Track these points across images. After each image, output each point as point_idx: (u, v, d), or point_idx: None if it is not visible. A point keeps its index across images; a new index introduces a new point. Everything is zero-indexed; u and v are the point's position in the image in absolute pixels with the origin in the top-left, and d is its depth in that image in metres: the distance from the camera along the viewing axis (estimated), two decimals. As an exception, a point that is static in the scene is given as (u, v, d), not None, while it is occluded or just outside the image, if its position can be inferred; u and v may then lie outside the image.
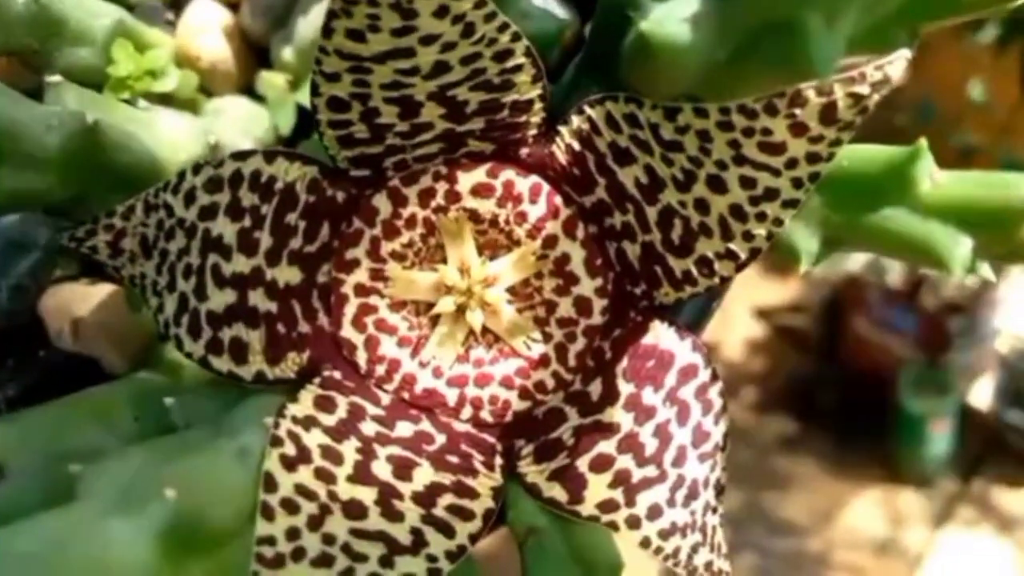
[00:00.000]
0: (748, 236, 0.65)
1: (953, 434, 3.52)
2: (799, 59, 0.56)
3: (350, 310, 0.74)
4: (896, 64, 0.56)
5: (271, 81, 1.03)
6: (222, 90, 1.04)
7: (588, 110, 0.69)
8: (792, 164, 0.61)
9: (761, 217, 0.64)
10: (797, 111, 0.58)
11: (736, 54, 0.62)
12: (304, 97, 1.00)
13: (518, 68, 0.66)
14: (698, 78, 0.65)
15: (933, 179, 0.71)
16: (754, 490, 3.47)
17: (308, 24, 1.00)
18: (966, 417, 3.57)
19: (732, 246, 0.66)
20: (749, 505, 3.42)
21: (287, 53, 1.03)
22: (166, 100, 0.97)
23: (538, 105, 0.70)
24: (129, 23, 0.96)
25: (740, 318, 3.77)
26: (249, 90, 1.06)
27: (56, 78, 0.84)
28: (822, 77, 0.56)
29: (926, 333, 3.57)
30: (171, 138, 0.90)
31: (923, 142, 0.70)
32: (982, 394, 3.66)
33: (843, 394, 3.74)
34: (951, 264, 0.70)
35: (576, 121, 0.70)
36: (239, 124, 1.00)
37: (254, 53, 1.07)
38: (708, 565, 0.71)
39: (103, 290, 0.92)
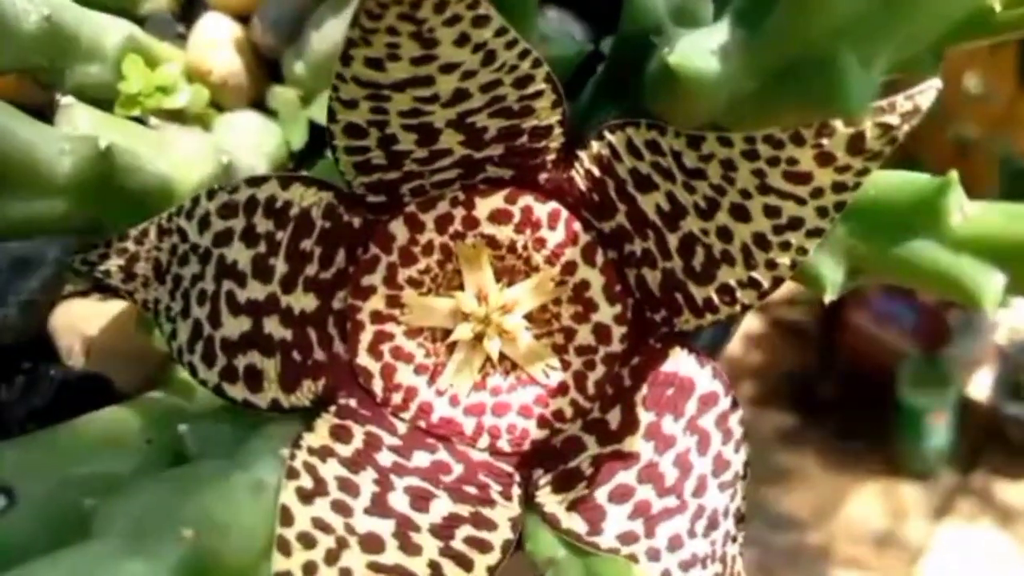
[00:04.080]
0: (771, 265, 0.65)
1: (952, 427, 3.52)
2: (832, 98, 0.55)
3: (366, 337, 0.74)
4: (927, 94, 0.56)
5: (283, 96, 1.03)
6: (233, 104, 1.03)
7: (608, 135, 0.68)
8: (818, 193, 0.60)
9: (785, 246, 0.63)
10: (824, 141, 0.57)
11: (765, 87, 0.61)
12: (316, 112, 1.00)
13: (538, 94, 0.65)
14: (724, 109, 0.64)
15: (964, 211, 0.70)
16: (754, 485, 3.41)
17: (320, 38, 0.99)
18: (965, 410, 3.56)
19: (755, 275, 0.65)
20: (749, 500, 3.40)
21: (299, 67, 1.02)
22: (177, 115, 0.97)
23: (557, 131, 0.69)
24: (140, 38, 0.96)
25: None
26: (260, 104, 1.05)
27: (68, 99, 0.83)
28: (858, 116, 0.55)
29: (925, 326, 3.57)
30: (184, 158, 0.89)
31: (954, 174, 0.69)
32: (981, 387, 3.65)
33: (842, 388, 3.73)
34: (982, 300, 0.69)
35: (596, 146, 0.69)
36: (251, 140, 0.99)
37: (265, 67, 1.06)
38: None
39: (114, 307, 0.92)
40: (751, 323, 3.81)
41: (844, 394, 3.73)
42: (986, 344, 3.63)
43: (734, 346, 3.76)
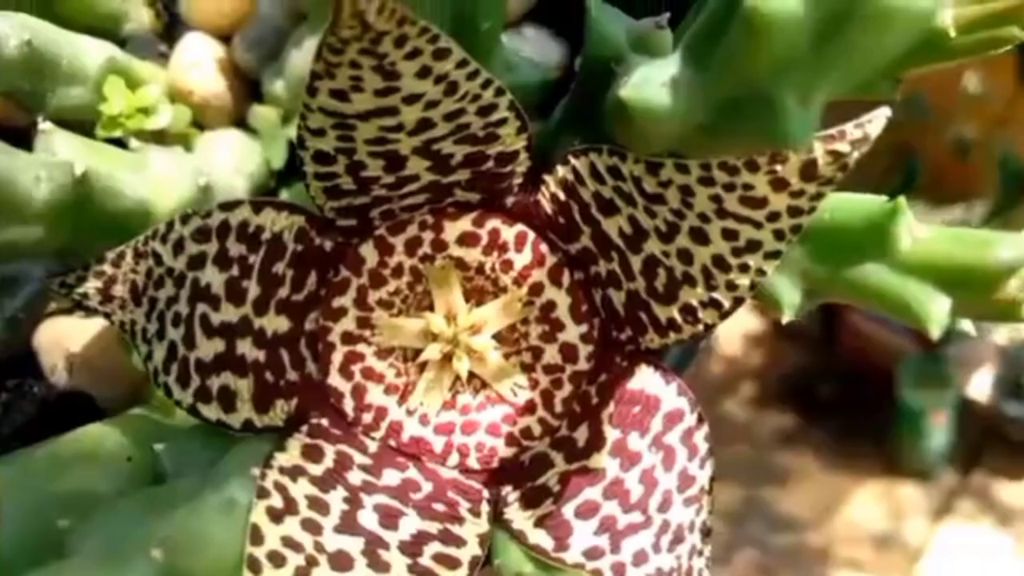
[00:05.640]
0: (731, 286, 0.66)
1: (952, 427, 3.51)
2: (773, 135, 0.57)
3: (337, 358, 0.75)
4: (876, 123, 0.57)
5: (263, 115, 1.04)
6: (215, 123, 1.05)
7: (572, 160, 0.69)
8: (774, 217, 0.61)
9: (744, 268, 0.65)
10: (778, 167, 0.58)
11: (715, 119, 0.62)
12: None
13: (502, 121, 0.67)
14: (678, 139, 0.66)
15: (913, 234, 0.71)
16: (753, 485, 3.47)
17: (300, 58, 1.01)
18: (965, 410, 3.55)
19: (716, 295, 0.67)
20: (748, 500, 3.42)
21: (279, 87, 1.03)
22: (158, 136, 0.98)
23: (523, 155, 0.70)
24: (121, 59, 0.97)
25: (738, 312, 3.74)
26: (242, 123, 1.06)
27: (46, 125, 0.84)
28: (798, 150, 0.56)
29: (924, 326, 3.56)
30: (163, 181, 0.90)
31: (902, 200, 0.70)
32: (981, 386, 3.65)
33: (842, 388, 3.73)
34: (928, 324, 0.70)
35: (561, 171, 0.70)
36: (231, 159, 1.01)
37: (246, 86, 1.07)
38: None
39: (97, 324, 0.93)
40: (751, 323, 3.81)
41: (844, 394, 3.72)
42: (986, 344, 3.62)
43: (734, 346, 3.77)
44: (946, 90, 3.16)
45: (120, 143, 0.95)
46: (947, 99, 3.15)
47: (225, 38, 1.06)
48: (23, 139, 0.83)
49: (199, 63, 1.03)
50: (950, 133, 3.26)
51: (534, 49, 1.00)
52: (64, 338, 0.94)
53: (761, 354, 3.86)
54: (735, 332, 3.81)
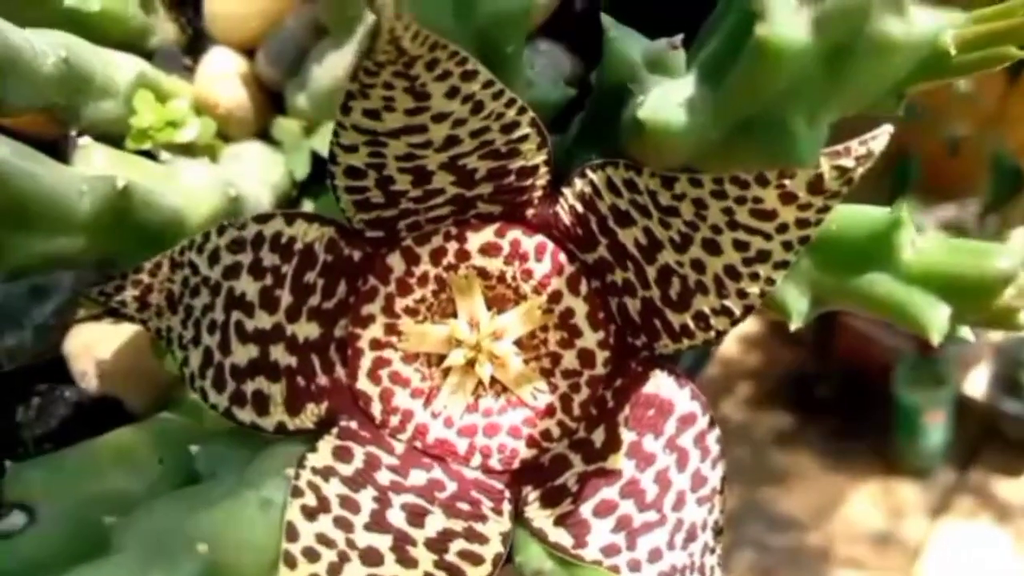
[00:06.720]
0: (742, 294, 0.69)
1: (949, 425, 3.53)
2: (783, 154, 0.59)
3: (366, 363, 0.78)
4: (880, 139, 0.60)
5: (286, 127, 1.06)
6: (239, 135, 1.07)
7: (590, 174, 0.72)
8: (783, 229, 0.64)
9: (754, 277, 0.67)
10: (786, 182, 0.62)
11: (728, 137, 0.64)
12: (318, 143, 1.03)
13: (524, 138, 0.70)
14: (692, 155, 0.68)
15: (915, 244, 0.74)
16: (752, 486, 3.48)
17: (322, 71, 1.03)
18: (962, 407, 3.57)
19: (727, 303, 0.69)
20: (747, 501, 3.44)
21: (301, 100, 1.06)
22: (186, 148, 1.01)
23: (543, 169, 0.73)
24: (150, 74, 1.00)
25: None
26: (265, 135, 1.09)
27: (85, 140, 0.86)
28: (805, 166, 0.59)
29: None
30: (194, 191, 0.93)
31: (905, 211, 0.73)
32: (978, 384, 3.66)
33: (839, 388, 3.75)
34: (929, 330, 0.73)
35: (579, 184, 0.73)
36: (256, 170, 1.03)
37: (269, 98, 1.10)
38: None
39: (127, 331, 0.96)
40: (748, 325, 3.79)
41: (841, 394, 3.74)
42: (982, 342, 3.63)
43: (732, 348, 3.77)
44: (938, 90, 3.16)
45: (148, 155, 0.98)
46: (939, 99, 3.16)
47: (248, 52, 1.09)
48: (53, 150, 0.84)
49: (224, 76, 1.06)
50: (943, 132, 3.28)
51: (548, 62, 1.03)
52: (93, 344, 0.96)
53: (758, 355, 3.88)
54: (731, 334, 3.79)
